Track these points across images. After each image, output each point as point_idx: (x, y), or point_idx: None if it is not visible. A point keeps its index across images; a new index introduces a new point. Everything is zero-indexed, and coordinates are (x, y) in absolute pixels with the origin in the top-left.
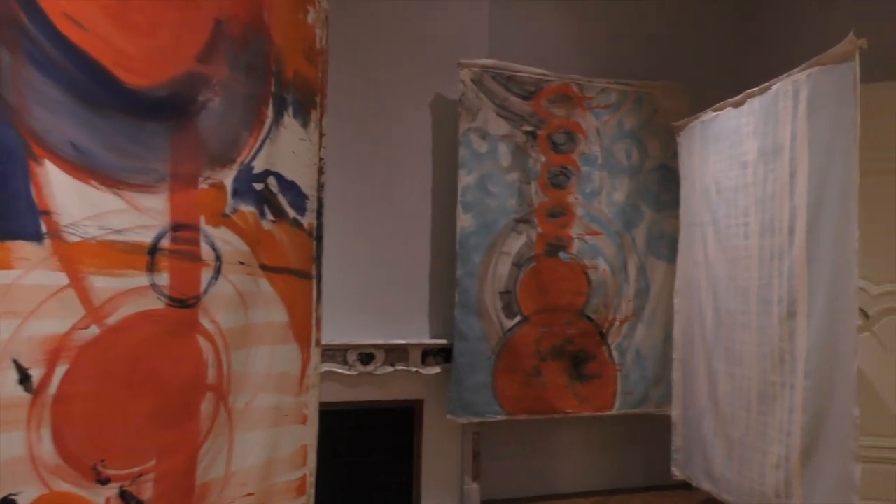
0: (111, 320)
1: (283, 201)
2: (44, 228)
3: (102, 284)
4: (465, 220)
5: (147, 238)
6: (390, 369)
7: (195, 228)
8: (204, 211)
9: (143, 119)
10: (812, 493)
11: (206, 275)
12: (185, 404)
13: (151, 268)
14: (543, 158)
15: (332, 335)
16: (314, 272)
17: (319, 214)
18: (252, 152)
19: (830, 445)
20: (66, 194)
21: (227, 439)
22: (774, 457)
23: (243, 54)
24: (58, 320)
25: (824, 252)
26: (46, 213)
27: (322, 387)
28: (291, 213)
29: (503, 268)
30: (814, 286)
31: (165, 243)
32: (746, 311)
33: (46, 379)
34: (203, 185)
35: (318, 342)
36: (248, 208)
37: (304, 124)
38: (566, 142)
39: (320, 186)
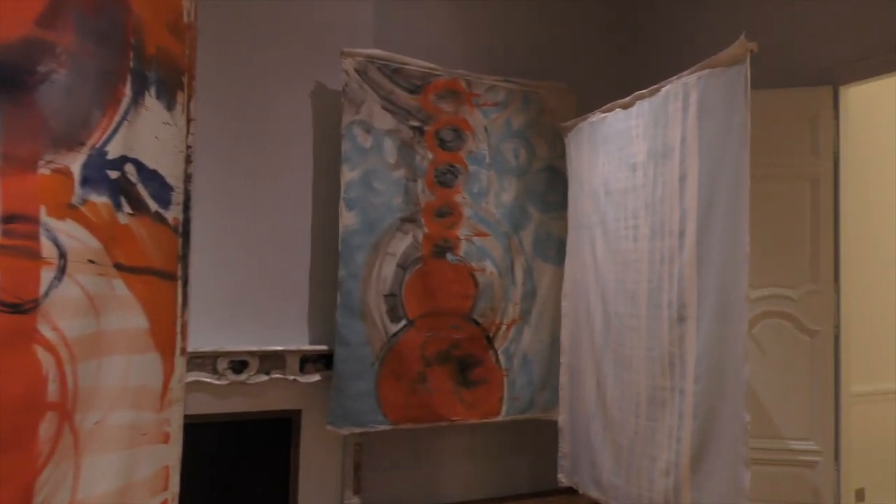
0: None
1: (143, 192)
2: None
3: None
4: (348, 219)
5: None
6: (265, 378)
7: (33, 220)
8: (45, 200)
9: None
10: (701, 497)
11: (46, 275)
12: (19, 427)
13: None
14: (431, 155)
15: (200, 342)
16: (180, 273)
17: (187, 208)
18: (106, 135)
19: (720, 451)
20: None
21: (72, 464)
22: (664, 463)
23: (95, 21)
24: None
25: (714, 256)
26: None
27: (189, 398)
28: (153, 205)
29: (388, 269)
30: (703, 290)
31: None
32: (636, 315)
33: None
34: (44, 171)
35: (183, 351)
36: (100, 199)
37: (169, 106)
38: (454, 139)
39: (188, 177)
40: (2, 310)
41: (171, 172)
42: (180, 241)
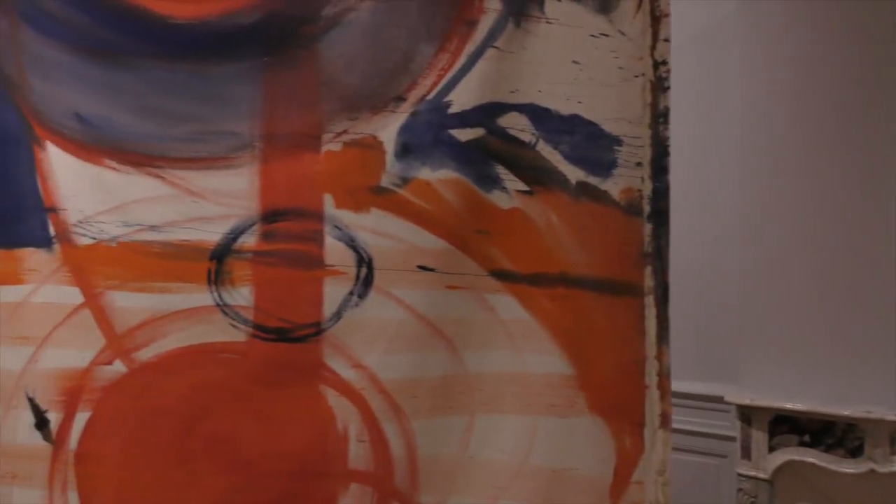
0: (144, 354)
1: (549, 153)
2: (52, 230)
3: (127, 303)
4: None
5: (211, 235)
6: None
7: (311, 215)
8: (330, 187)
9: (208, 63)
10: None
11: (334, 289)
12: (303, 500)
13: (216, 279)
14: None
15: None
16: (650, 281)
17: (660, 172)
18: (447, 78)
19: None
20: (72, 182)
21: None
22: None
23: None
24: (76, 351)
25: None
26: (52, 209)
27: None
28: (576, 173)
29: None
30: None
31: (249, 242)
32: None
33: (66, 426)
34: (331, 147)
35: (664, 419)
36: (440, 174)
37: (604, 7)
38: None
39: (658, 119)
40: (261, 335)
41: (611, 114)
42: (648, 227)
